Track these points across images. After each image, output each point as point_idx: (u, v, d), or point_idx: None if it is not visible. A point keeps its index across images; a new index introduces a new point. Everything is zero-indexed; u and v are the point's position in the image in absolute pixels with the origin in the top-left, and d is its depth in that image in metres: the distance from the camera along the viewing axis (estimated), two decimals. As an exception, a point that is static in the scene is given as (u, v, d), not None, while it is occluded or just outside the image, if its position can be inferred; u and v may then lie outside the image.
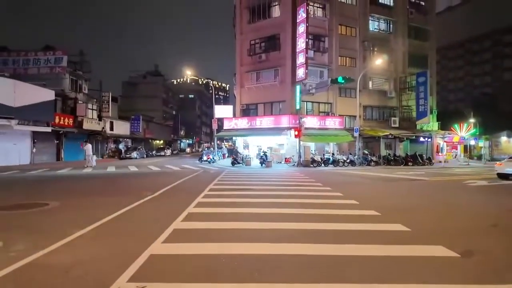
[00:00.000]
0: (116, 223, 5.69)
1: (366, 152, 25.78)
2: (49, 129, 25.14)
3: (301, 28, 24.90)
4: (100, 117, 33.59)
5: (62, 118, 27.40)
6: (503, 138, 37.49)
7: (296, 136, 22.82)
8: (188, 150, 69.64)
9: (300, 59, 24.97)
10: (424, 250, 4.20)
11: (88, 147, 21.80)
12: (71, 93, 29.98)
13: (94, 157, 21.99)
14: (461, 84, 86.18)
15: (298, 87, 24.29)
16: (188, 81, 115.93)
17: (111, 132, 36.83)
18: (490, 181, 13.59)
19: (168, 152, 47.17)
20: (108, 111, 34.33)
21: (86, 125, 30.55)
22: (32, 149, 24.93)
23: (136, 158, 34.33)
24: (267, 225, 5.52)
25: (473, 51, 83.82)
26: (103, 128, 33.96)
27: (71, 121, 28.58)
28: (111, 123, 36.68)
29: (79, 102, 30.39)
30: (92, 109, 32.68)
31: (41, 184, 12.22)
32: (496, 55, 79.81)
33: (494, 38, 79.57)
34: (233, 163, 23.49)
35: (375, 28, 30.65)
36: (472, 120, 33.81)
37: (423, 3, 33.62)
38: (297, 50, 25.46)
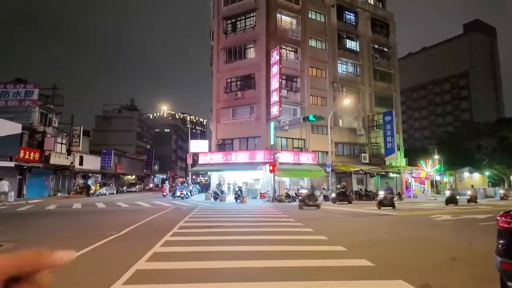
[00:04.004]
0: (73, 265, 5.38)
1: (339, 187, 26.31)
2: (12, 164, 23.78)
3: (275, 69, 26.24)
4: (69, 152, 32.36)
5: (27, 152, 26.14)
6: (466, 174, 39.80)
7: (271, 171, 23.04)
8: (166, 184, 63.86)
9: (274, 97, 26.01)
10: (384, 285, 4.31)
11: (2, 184, 19.94)
12: (39, 127, 28.95)
13: (12, 193, 21.01)
14: (425, 122, 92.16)
15: (272, 124, 25.00)
16: (165, 116, 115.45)
17: (80, 167, 35.36)
18: (453, 216, 14.21)
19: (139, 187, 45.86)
20: (79, 145, 33.21)
21: (54, 160, 29.23)
22: (-10, 185, 23.24)
23: (105, 194, 32.85)
24: (235, 263, 5.44)
25: (435, 93, 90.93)
26: (72, 163, 32.60)
27: (37, 155, 27.29)
28: (81, 158, 35.34)
29: (48, 136, 29.31)
30: (62, 143, 31.50)
31: (-4, 223, 11.35)
32: (455, 97, 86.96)
33: (451, 81, 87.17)
34: (215, 198, 23.95)
35: (343, 71, 32.87)
36: (436, 157, 35.84)
37: (386, 50, 36.79)
38: (271, 89, 26.59)
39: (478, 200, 23.80)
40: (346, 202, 21.82)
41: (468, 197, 23.33)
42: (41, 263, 0.49)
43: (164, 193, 29.49)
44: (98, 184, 32.99)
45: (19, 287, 0.47)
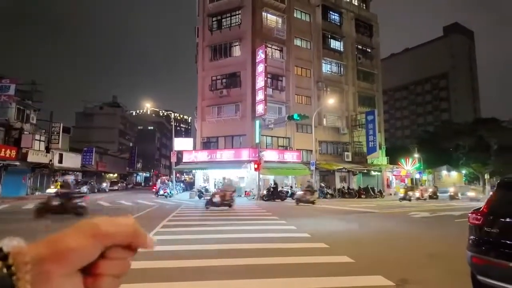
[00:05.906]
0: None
1: (323, 185, 26.74)
2: (-14, 162, 22.89)
3: (260, 68, 26.30)
4: (48, 149, 31.35)
5: (3, 149, 25.16)
6: (444, 172, 41.21)
7: (256, 169, 23.12)
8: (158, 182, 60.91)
9: (260, 96, 26.07)
10: (363, 281, 4.43)
11: None
12: (16, 123, 27.90)
13: None
14: (406, 122, 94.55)
15: (257, 122, 25.09)
16: (149, 113, 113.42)
17: (60, 165, 34.33)
18: (431, 213, 14.73)
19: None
20: (58, 143, 32.23)
21: (31, 158, 28.25)
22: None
23: (86, 193, 31.99)
24: (218, 261, 5.45)
25: (416, 93, 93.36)
26: (51, 160, 31.60)
27: (13, 153, 26.29)
28: (60, 155, 34.32)
29: (25, 132, 28.30)
30: (40, 140, 30.48)
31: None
32: (435, 98, 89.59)
33: (432, 82, 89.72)
34: (199, 196, 23.40)
35: (327, 70, 33.30)
36: (416, 155, 36.88)
37: (369, 50, 37.50)
38: (256, 88, 26.64)
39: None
40: (278, 200, 22.01)
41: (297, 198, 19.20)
42: (137, 240, 0.42)
43: (155, 190, 28.50)
44: (60, 183, 30.34)
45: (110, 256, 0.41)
